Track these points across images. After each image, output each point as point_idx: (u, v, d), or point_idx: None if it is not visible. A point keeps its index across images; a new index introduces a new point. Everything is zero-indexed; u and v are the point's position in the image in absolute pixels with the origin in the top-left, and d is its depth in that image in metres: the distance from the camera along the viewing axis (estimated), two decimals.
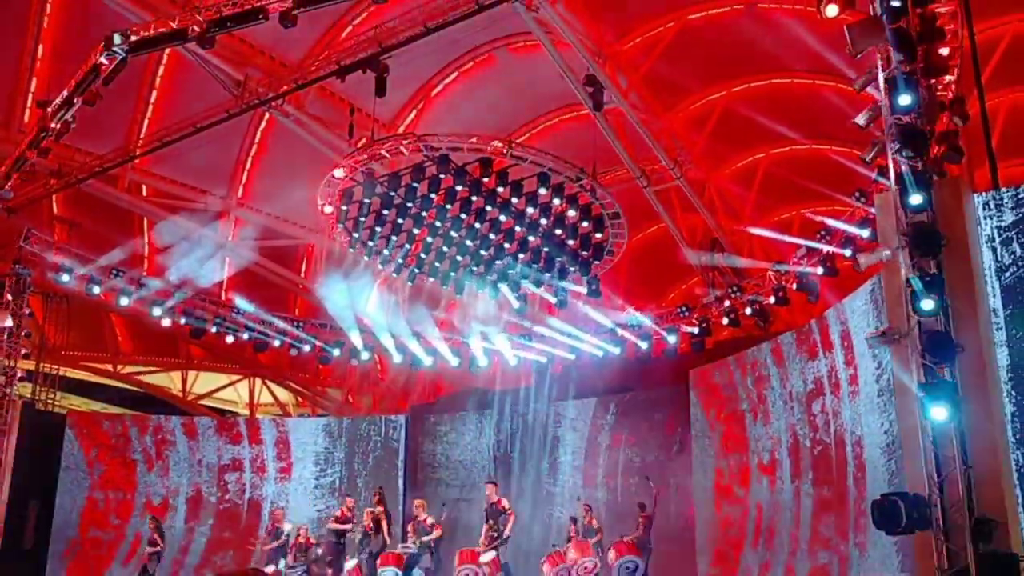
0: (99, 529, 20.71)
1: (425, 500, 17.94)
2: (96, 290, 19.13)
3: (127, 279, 19.59)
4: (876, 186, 12.82)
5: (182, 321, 20.49)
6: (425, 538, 16.67)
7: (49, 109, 15.00)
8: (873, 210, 13.07)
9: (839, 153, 17.92)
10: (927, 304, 9.28)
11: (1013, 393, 9.93)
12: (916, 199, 9.56)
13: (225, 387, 28.49)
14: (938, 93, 10.96)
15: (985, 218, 10.48)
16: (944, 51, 10.77)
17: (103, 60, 13.91)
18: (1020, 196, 10.46)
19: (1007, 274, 10.25)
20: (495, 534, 16.23)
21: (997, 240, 10.38)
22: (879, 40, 10.11)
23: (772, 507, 16.10)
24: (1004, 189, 10.66)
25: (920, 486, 9.45)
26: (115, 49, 13.76)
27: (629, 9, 17.57)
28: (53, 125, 14.99)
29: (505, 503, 16.76)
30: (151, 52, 15.35)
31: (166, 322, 20.28)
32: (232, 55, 17.61)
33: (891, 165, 10.07)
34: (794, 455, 15.67)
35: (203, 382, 28.05)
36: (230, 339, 21.38)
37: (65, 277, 18.81)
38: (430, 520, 16.91)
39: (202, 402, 27.79)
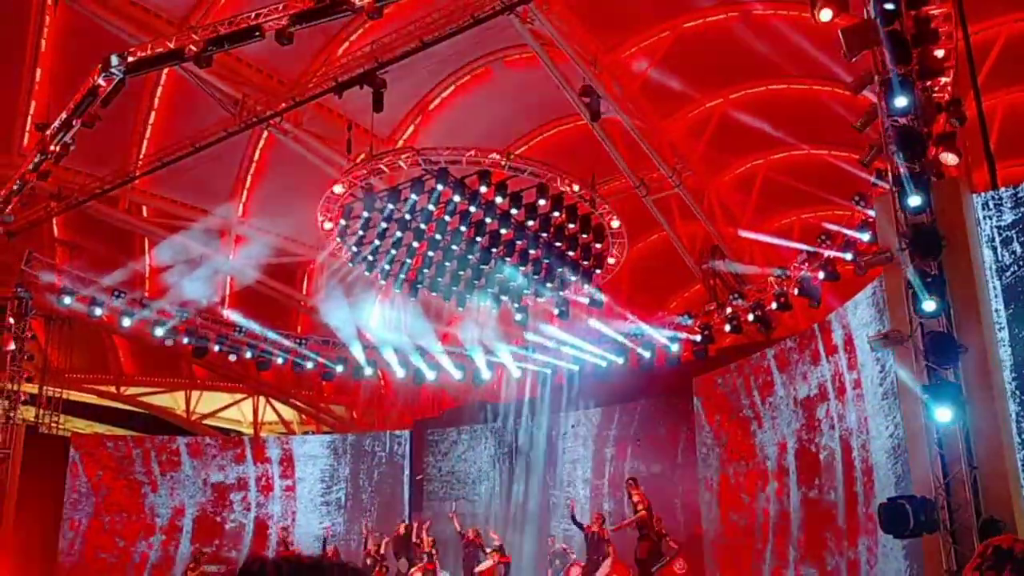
0: (105, 551, 20.65)
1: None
2: (98, 312, 19.14)
3: (128, 300, 19.61)
4: (875, 189, 12.82)
5: (184, 341, 20.50)
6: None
7: (48, 132, 15.04)
8: (873, 213, 13.08)
9: (837, 157, 17.93)
10: (929, 305, 9.28)
11: (1017, 392, 9.89)
12: (915, 201, 9.57)
13: (229, 406, 28.46)
14: (934, 95, 10.98)
15: (984, 218, 10.47)
16: (939, 53, 10.78)
17: (101, 82, 13.95)
18: (1019, 195, 10.45)
19: (1008, 273, 10.23)
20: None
21: (997, 240, 10.36)
22: (873, 43, 10.13)
23: (779, 514, 16.03)
24: (1003, 189, 10.65)
25: (927, 488, 9.42)
26: (113, 70, 13.80)
27: (624, 19, 17.63)
28: (52, 148, 15.02)
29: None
30: (149, 72, 15.43)
31: (168, 342, 20.28)
32: (229, 74, 17.68)
33: (889, 168, 10.08)
34: (800, 460, 15.61)
35: (207, 402, 28.02)
36: (233, 358, 21.36)
37: (67, 300, 18.84)
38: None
39: (206, 422, 27.76)
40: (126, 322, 19.54)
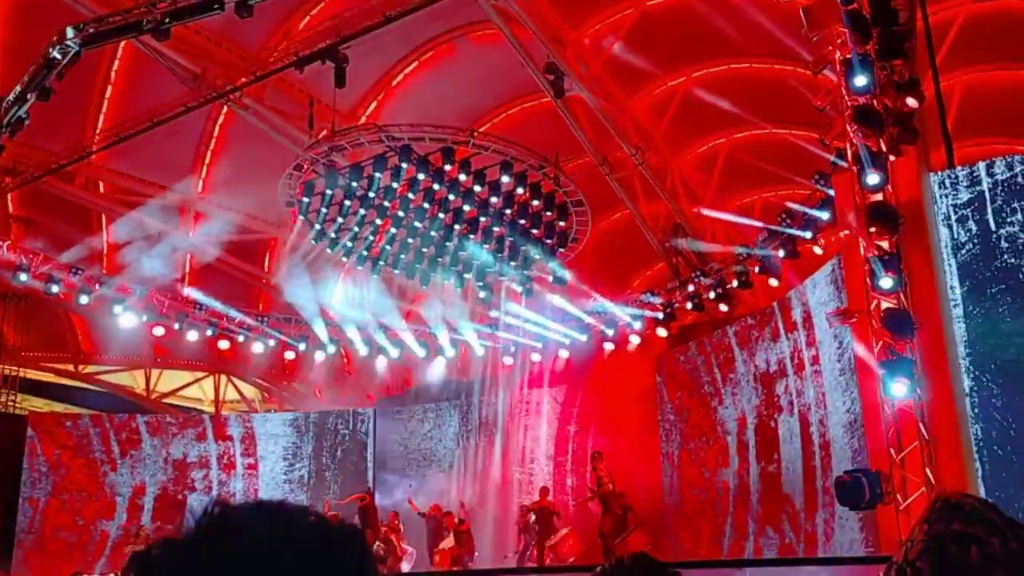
0: (64, 531, 20.44)
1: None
2: (55, 289, 18.88)
3: (86, 277, 19.34)
4: (835, 168, 12.97)
5: (144, 319, 20.27)
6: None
7: (2, 105, 14.72)
8: (832, 191, 13.25)
9: (799, 136, 18.06)
10: (886, 282, 9.45)
11: (971, 368, 10.12)
12: (873, 179, 9.72)
13: (190, 384, 28.18)
14: (893, 75, 11.13)
15: (941, 196, 10.66)
16: (898, 33, 10.92)
17: (56, 54, 13.66)
18: (975, 175, 10.65)
19: (963, 251, 10.43)
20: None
21: (953, 218, 10.56)
22: (835, 22, 10.24)
23: (739, 487, 16.28)
24: (959, 168, 10.84)
25: (883, 462, 9.62)
26: (69, 43, 13.52)
27: None
28: (6, 121, 14.72)
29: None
30: (106, 45, 15.15)
31: (127, 320, 20.06)
32: (188, 48, 17.35)
33: (848, 146, 10.22)
34: (759, 435, 15.85)
35: (167, 380, 27.74)
36: (193, 336, 21.18)
37: (23, 276, 18.54)
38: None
39: (167, 400, 27.48)
40: (83, 299, 19.27)
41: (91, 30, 13.59)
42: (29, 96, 14.20)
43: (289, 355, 22.85)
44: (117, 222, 21.50)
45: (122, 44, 17.68)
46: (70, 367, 25.94)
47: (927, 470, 9.40)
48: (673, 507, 17.85)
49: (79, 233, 20.99)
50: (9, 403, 22.82)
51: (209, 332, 21.18)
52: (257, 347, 22.12)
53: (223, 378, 27.65)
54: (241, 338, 21.59)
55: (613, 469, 17.69)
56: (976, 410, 10.01)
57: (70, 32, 13.47)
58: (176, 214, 21.81)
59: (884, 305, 9.57)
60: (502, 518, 19.51)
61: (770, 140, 20.00)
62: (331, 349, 22.20)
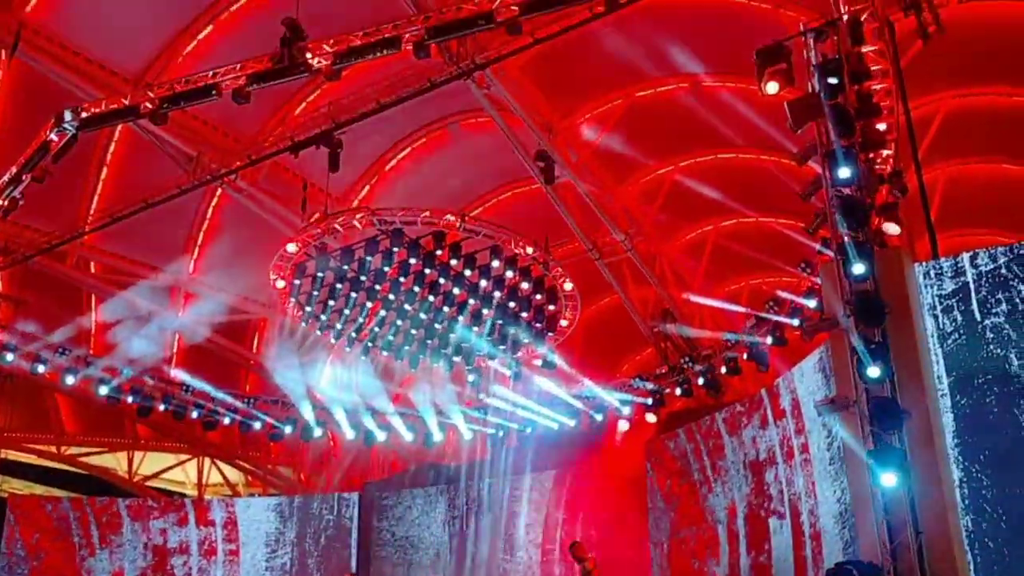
0: None
1: None
2: (41, 369, 18.74)
3: (73, 358, 19.22)
4: (821, 257, 13.11)
5: (129, 400, 20.09)
6: None
7: None
8: (819, 280, 13.37)
9: (785, 225, 18.34)
10: (873, 371, 9.45)
11: (960, 459, 10.08)
12: (858, 269, 9.81)
13: (173, 467, 27.79)
14: (877, 167, 11.35)
15: (926, 287, 10.77)
16: (881, 126, 11.18)
17: (53, 137, 13.81)
18: (959, 266, 10.78)
19: (949, 341, 10.50)
20: None
21: (938, 308, 10.65)
22: (818, 116, 10.48)
23: None
24: (943, 259, 10.98)
25: (873, 554, 9.49)
26: (66, 126, 13.68)
27: (578, 86, 17.98)
28: (0, 202, 14.79)
29: None
30: (102, 128, 15.34)
31: (112, 402, 19.86)
32: (184, 131, 17.60)
33: (833, 237, 10.35)
34: (750, 525, 15.64)
35: (150, 462, 27.34)
36: (179, 417, 20.97)
37: (9, 356, 18.42)
38: None
39: (149, 483, 27.06)
40: (69, 379, 19.13)
41: (88, 113, 13.78)
42: (24, 178, 14.30)
43: (275, 438, 22.59)
44: (107, 302, 21.49)
45: (119, 127, 17.92)
46: (52, 448, 25.58)
47: (918, 562, 9.27)
48: None
49: (68, 312, 20.93)
50: None
51: (195, 414, 20.97)
52: (242, 429, 21.87)
53: (207, 461, 27.30)
54: (227, 420, 21.36)
55: (600, 557, 17.39)
56: (966, 501, 9.94)
57: (67, 115, 13.65)
58: (166, 294, 21.82)
59: (872, 395, 9.57)
60: None
61: (757, 228, 20.29)
62: (318, 432, 21.96)
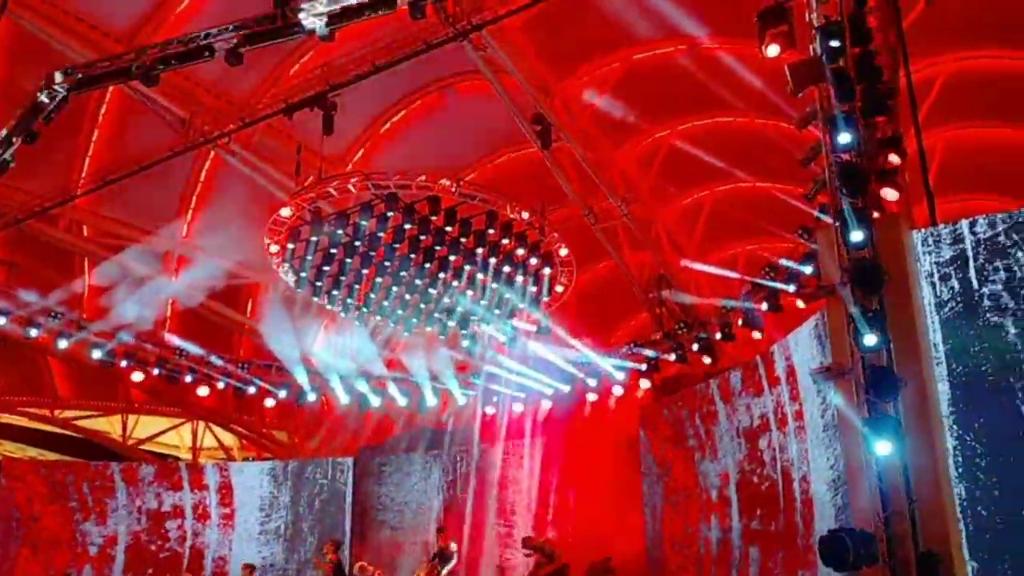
0: None
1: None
2: (34, 332, 18.67)
3: (66, 321, 19.15)
4: (819, 223, 13.01)
5: (123, 364, 20.05)
6: None
7: None
8: (816, 246, 13.27)
9: (782, 190, 18.20)
10: (869, 339, 9.39)
11: (955, 427, 10.06)
12: (857, 236, 9.71)
13: (167, 431, 27.80)
14: (876, 132, 11.21)
15: (924, 254, 10.68)
16: (882, 91, 11.02)
17: (44, 98, 13.61)
18: (958, 232, 10.68)
19: (946, 309, 10.43)
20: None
21: (936, 276, 10.57)
22: (819, 79, 10.32)
23: (721, 544, 16.09)
24: (942, 225, 10.88)
25: (867, 522, 9.49)
26: (56, 87, 13.47)
27: (576, 48, 17.76)
28: None
29: (453, 547, 16.53)
30: (94, 90, 15.14)
31: (106, 365, 19.83)
32: (177, 93, 17.38)
33: (832, 203, 10.24)
34: (742, 492, 15.70)
35: (144, 426, 27.35)
36: (172, 381, 20.96)
37: (1, 319, 18.33)
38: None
39: (143, 447, 27.08)
40: (62, 343, 19.07)
41: (80, 75, 13.57)
42: (15, 139, 14.11)
43: (269, 402, 22.61)
44: (100, 266, 21.35)
45: (110, 88, 17.70)
46: (46, 412, 25.55)
47: (911, 530, 9.27)
48: (655, 563, 17.61)
49: (61, 276, 20.82)
50: None
51: (188, 378, 20.95)
52: (236, 394, 21.87)
53: (201, 425, 27.31)
54: (221, 384, 21.36)
55: (595, 522, 17.48)
56: (960, 470, 9.93)
57: (58, 76, 13.44)
58: (159, 259, 21.69)
59: (868, 363, 9.52)
60: (484, 572, 19.19)
61: (754, 193, 20.14)
62: (312, 397, 21.96)
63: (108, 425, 26.83)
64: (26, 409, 25.40)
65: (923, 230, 10.88)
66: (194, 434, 27.22)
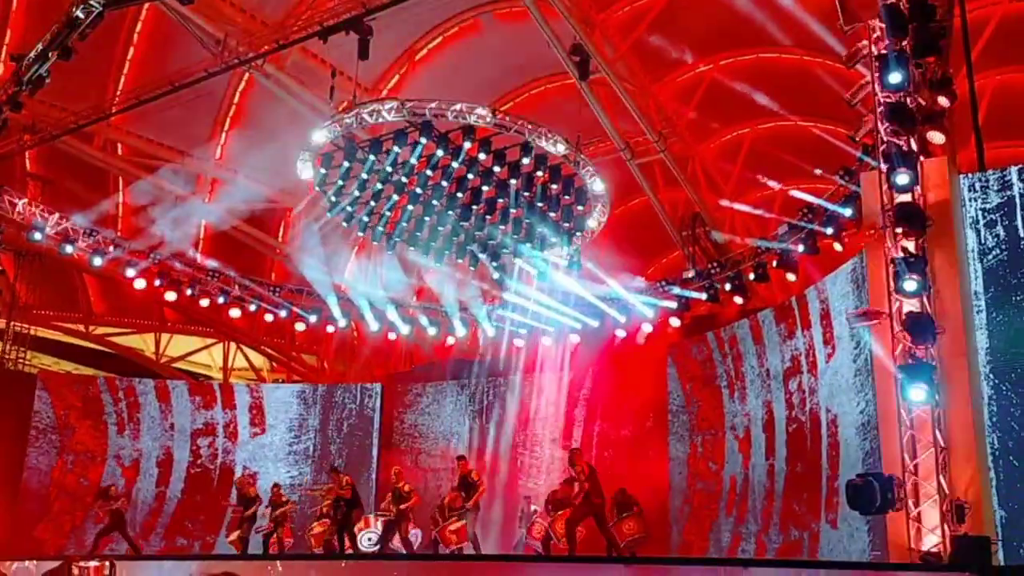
0: (68, 490, 20.50)
1: (401, 468, 17.83)
2: (69, 249, 18.86)
3: (101, 239, 19.33)
4: (861, 165, 12.73)
5: (156, 283, 20.26)
6: (403, 506, 16.50)
7: (23, 63, 14.59)
8: (856, 189, 13.01)
9: (823, 130, 17.81)
10: (910, 284, 9.26)
11: (991, 376, 9.93)
12: (903, 178, 9.51)
13: (199, 351, 28.19)
14: (926, 73, 10.87)
15: (970, 200, 10.44)
16: (935, 30, 10.65)
17: (79, 14, 13.51)
18: (1006, 179, 10.43)
19: (990, 256, 10.23)
20: (462, 504, 16.10)
21: (981, 222, 10.35)
22: (871, 16, 10.01)
23: (745, 482, 16.16)
24: (990, 171, 10.60)
25: (895, 467, 9.46)
26: (92, 3, 13.37)
27: None
28: (27, 79, 14.60)
29: (475, 475, 16.61)
30: (129, 7, 15.01)
31: (140, 283, 20.04)
32: (212, 13, 17.21)
33: (878, 144, 10.00)
34: (769, 432, 15.70)
35: (176, 345, 27.75)
36: (205, 302, 21.18)
37: (37, 235, 18.53)
38: (407, 488, 16.77)
39: (175, 365, 27.51)
40: (97, 261, 19.26)
41: None
42: (51, 55, 14.06)
43: (300, 326, 22.78)
44: (134, 185, 21.45)
45: (145, 6, 17.56)
46: (80, 327, 25.97)
47: (940, 478, 9.24)
48: (679, 499, 17.73)
49: (95, 194, 20.98)
50: (19, 360, 22.85)
51: (221, 299, 21.15)
52: (268, 317, 22.07)
53: (232, 346, 27.65)
54: (252, 307, 21.56)
55: (618, 457, 17.57)
56: (994, 419, 9.83)
57: None
58: (193, 180, 21.74)
59: (907, 308, 9.38)
60: (508, 501, 19.42)
61: (795, 132, 19.72)
62: (342, 323, 22.11)
63: (141, 343, 27.24)
64: (61, 324, 25.81)
65: (970, 175, 10.61)
66: (225, 355, 27.57)
